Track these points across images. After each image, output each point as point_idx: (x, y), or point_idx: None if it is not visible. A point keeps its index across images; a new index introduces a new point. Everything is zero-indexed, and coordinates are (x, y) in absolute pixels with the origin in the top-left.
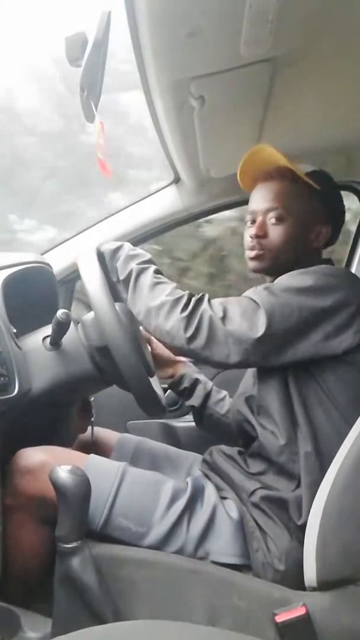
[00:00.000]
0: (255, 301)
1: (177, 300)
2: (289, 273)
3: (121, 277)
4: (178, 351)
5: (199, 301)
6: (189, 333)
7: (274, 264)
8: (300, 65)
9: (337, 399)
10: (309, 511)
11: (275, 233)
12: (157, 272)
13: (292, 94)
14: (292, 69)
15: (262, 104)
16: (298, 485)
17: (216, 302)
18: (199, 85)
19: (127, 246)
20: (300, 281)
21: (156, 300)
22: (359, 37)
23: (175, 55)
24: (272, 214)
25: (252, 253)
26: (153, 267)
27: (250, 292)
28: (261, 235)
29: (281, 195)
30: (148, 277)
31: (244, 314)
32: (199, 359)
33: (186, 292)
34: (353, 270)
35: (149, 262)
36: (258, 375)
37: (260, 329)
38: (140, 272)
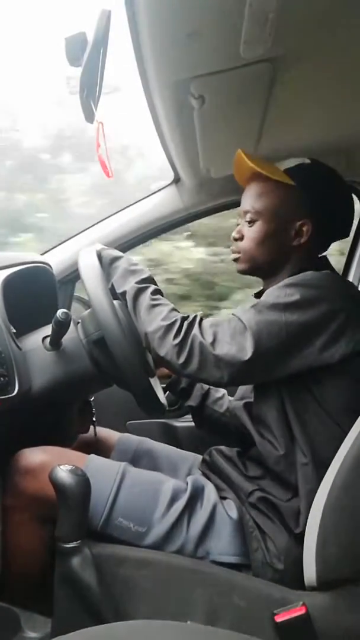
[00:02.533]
0: (242, 322)
1: (170, 326)
2: (276, 285)
3: (118, 290)
4: (176, 374)
5: (190, 326)
6: (182, 360)
7: (253, 265)
8: (300, 65)
9: (332, 406)
10: (306, 520)
11: (248, 235)
12: (154, 292)
13: (292, 94)
14: (292, 68)
15: (262, 104)
16: (294, 495)
17: (207, 324)
18: (199, 85)
19: (126, 259)
20: (286, 295)
21: (152, 325)
22: (359, 37)
23: (175, 55)
24: (247, 217)
25: (233, 256)
26: (151, 288)
27: (239, 311)
28: (238, 238)
29: (252, 197)
30: (146, 298)
31: (232, 336)
32: (196, 381)
33: (179, 317)
34: (352, 270)
35: (148, 280)
36: (254, 386)
37: (248, 352)
38: (139, 293)
